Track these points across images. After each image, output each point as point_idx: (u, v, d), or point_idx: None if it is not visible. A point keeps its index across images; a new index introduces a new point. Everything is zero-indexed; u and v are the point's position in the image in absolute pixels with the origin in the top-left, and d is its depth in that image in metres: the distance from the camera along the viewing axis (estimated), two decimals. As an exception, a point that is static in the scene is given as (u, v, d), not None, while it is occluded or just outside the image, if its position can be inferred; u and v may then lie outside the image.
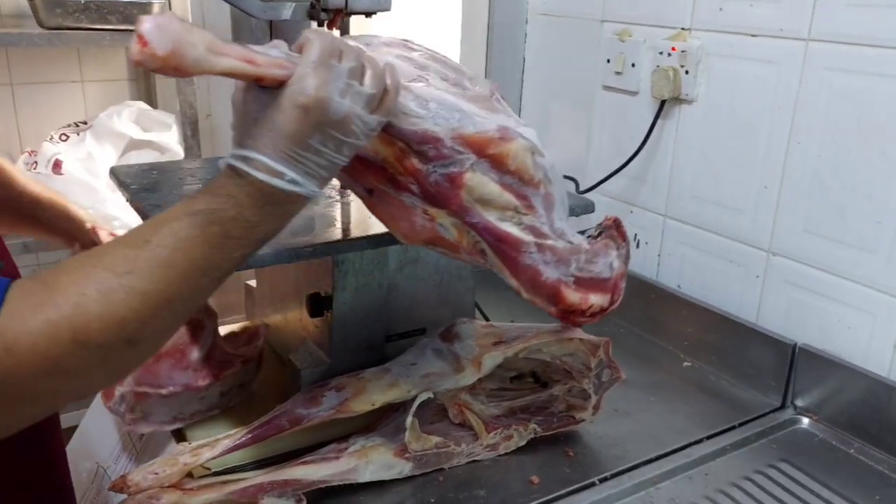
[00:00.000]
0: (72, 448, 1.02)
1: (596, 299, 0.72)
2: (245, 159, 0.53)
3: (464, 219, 0.66)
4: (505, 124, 0.66)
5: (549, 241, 0.69)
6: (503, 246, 0.68)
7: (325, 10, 0.77)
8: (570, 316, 0.73)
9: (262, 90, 0.54)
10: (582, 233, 0.76)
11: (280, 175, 0.53)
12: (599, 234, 0.77)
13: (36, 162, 1.62)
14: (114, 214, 1.54)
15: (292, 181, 0.54)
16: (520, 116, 1.43)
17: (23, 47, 1.72)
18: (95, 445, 0.97)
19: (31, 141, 1.82)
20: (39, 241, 1.73)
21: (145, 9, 1.78)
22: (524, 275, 0.69)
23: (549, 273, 0.69)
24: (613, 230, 0.76)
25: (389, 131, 0.62)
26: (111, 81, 2.10)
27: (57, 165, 1.60)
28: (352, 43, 0.58)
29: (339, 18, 0.78)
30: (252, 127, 0.54)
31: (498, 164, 0.65)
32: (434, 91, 0.65)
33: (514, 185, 0.66)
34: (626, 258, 0.76)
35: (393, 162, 0.65)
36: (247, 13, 0.75)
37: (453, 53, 1.55)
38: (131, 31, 1.70)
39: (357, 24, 0.82)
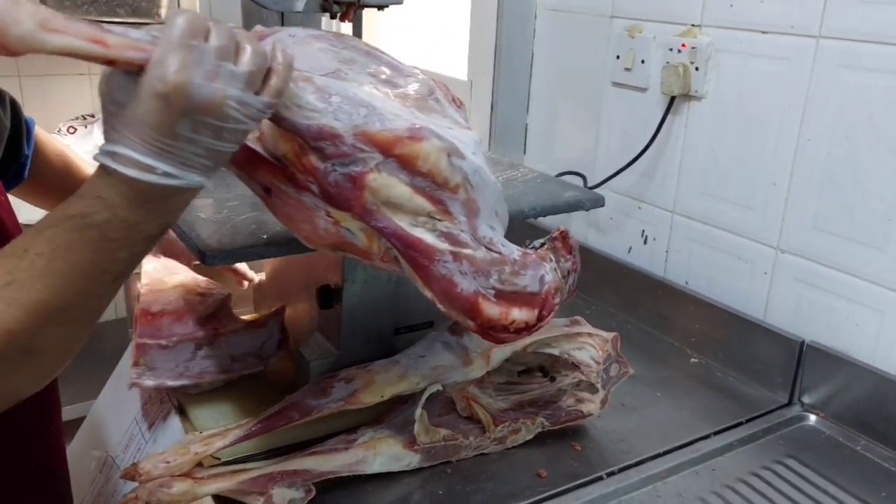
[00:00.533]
0: (80, 437, 1.03)
1: (519, 314, 0.67)
2: (112, 154, 0.49)
3: (369, 222, 0.62)
4: (418, 123, 0.61)
5: (467, 251, 0.64)
6: (414, 253, 0.63)
7: (337, 2, 0.77)
8: (489, 331, 0.67)
9: (126, 76, 0.49)
10: (530, 243, 0.72)
11: (150, 169, 0.49)
12: (542, 245, 0.72)
13: (44, 153, 1.63)
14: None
15: (166, 174, 0.50)
16: (527, 112, 1.44)
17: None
18: (104, 435, 0.97)
19: (39, 133, 1.83)
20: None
21: (153, 1, 1.78)
22: (437, 285, 0.64)
23: (466, 285, 0.64)
24: (558, 241, 0.71)
25: (283, 125, 0.58)
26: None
27: (65, 157, 1.60)
28: (231, 24, 0.54)
29: (351, 11, 0.78)
30: (117, 118, 0.50)
31: (407, 165, 0.61)
32: (343, 85, 0.61)
33: (428, 188, 0.62)
34: (569, 271, 0.71)
35: (292, 159, 0.60)
36: (259, 4, 0.75)
37: (462, 48, 1.55)
38: (140, 23, 1.72)
39: (369, 17, 0.82)
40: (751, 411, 0.96)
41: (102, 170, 0.50)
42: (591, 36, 1.27)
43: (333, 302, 0.86)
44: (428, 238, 0.63)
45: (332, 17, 0.78)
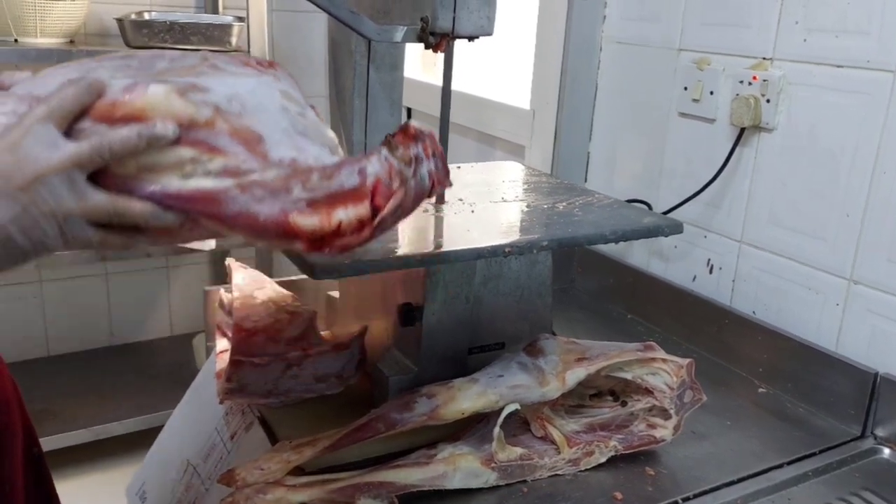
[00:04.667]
0: (160, 444, 1.07)
1: (345, 213, 0.60)
2: None
3: (136, 195, 0.57)
4: (136, 80, 0.58)
5: (253, 176, 0.58)
6: (199, 206, 0.57)
7: (432, 33, 0.81)
8: (322, 244, 0.60)
9: None
10: None
11: None
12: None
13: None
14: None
15: None
16: (590, 141, 1.47)
17: (111, 64, 1.81)
18: (184, 443, 1.00)
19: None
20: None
21: (226, 30, 1.86)
22: (238, 224, 0.58)
23: (266, 209, 0.58)
24: (397, 135, 0.64)
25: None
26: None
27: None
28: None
29: (444, 42, 0.82)
30: None
31: (139, 122, 0.56)
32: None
33: (178, 134, 0.57)
34: (416, 158, 0.64)
35: None
36: (363, 35, 0.79)
37: (524, 79, 1.59)
38: (212, 51, 1.79)
39: (460, 47, 0.86)
40: (823, 443, 0.96)
41: None
42: (657, 68, 1.29)
43: (414, 320, 0.88)
44: (205, 183, 0.57)
45: (427, 47, 0.82)
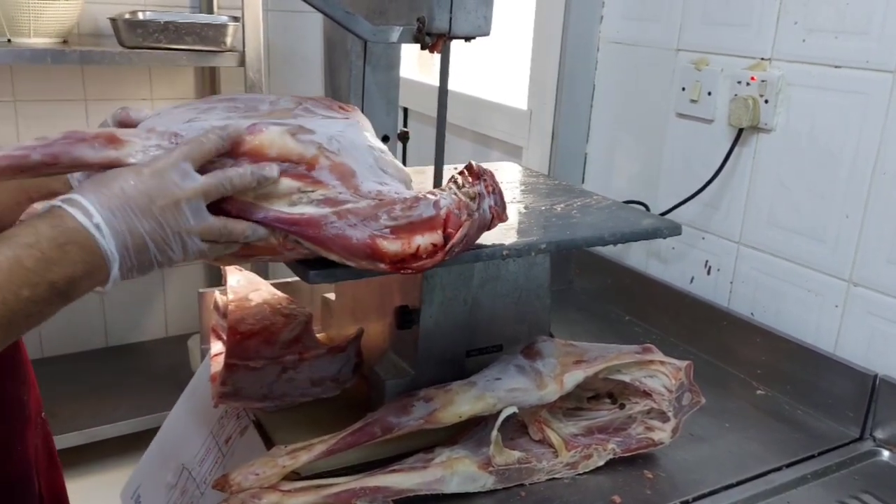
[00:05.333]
0: (155, 447, 1.06)
1: (423, 240, 0.70)
2: (67, 200, 0.57)
3: (250, 218, 0.66)
4: (255, 122, 0.67)
5: (348, 205, 0.68)
6: (301, 228, 0.66)
7: (428, 34, 0.80)
8: (402, 265, 0.70)
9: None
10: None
11: (89, 215, 0.56)
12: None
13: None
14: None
15: (97, 227, 0.56)
16: (587, 141, 1.46)
17: (105, 65, 1.80)
18: (179, 447, 0.99)
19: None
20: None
21: (221, 30, 1.85)
22: (334, 245, 0.67)
23: (358, 234, 0.67)
24: (463, 173, 0.75)
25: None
26: (179, 100, 2.18)
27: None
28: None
29: (440, 42, 0.81)
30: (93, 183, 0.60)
31: (258, 157, 0.66)
32: (188, 125, 0.67)
33: (288, 168, 0.67)
34: (479, 194, 0.73)
35: None
36: (358, 36, 0.78)
37: (521, 79, 1.58)
38: (207, 51, 1.78)
39: (456, 48, 0.85)
40: (822, 445, 0.95)
41: (50, 211, 0.57)
42: (655, 68, 1.29)
43: (411, 323, 0.88)
44: (308, 210, 0.67)
45: (423, 48, 0.81)
